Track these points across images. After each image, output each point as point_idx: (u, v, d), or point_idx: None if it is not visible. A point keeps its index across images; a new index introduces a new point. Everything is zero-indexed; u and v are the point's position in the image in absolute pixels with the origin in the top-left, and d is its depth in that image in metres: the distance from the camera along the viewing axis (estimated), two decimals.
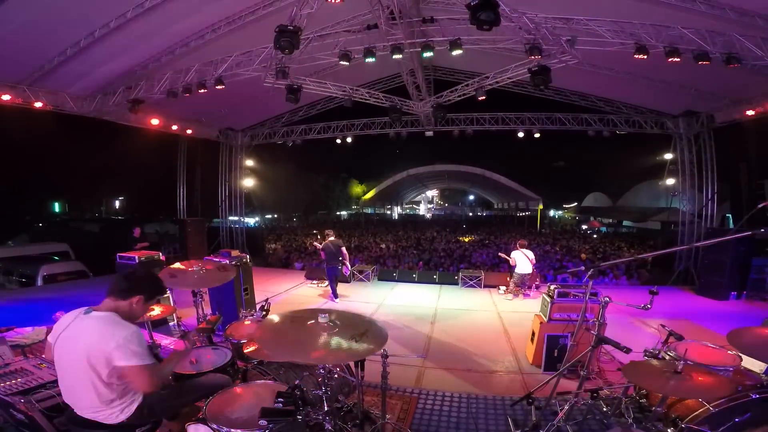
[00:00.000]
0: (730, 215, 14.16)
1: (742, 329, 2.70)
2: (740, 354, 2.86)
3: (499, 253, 10.01)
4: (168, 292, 6.40)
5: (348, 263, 8.41)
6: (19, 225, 25.75)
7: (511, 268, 8.59)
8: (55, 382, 2.31)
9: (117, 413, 2.05)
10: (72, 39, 6.63)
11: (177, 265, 3.75)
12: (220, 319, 4.58)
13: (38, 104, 7.96)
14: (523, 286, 8.57)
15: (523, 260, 8.25)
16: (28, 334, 3.68)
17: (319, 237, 21.34)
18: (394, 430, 3.38)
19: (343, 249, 8.15)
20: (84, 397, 2.00)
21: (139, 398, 2.13)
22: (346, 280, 9.69)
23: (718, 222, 10.87)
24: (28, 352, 3.42)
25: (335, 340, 2.20)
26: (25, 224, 27.94)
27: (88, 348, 1.93)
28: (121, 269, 6.23)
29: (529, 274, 8.37)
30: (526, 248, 8.55)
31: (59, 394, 2.36)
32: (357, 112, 11.84)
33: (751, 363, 2.99)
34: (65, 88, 8.23)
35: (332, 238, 8.26)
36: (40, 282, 11.10)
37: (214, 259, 6.10)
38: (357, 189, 49.74)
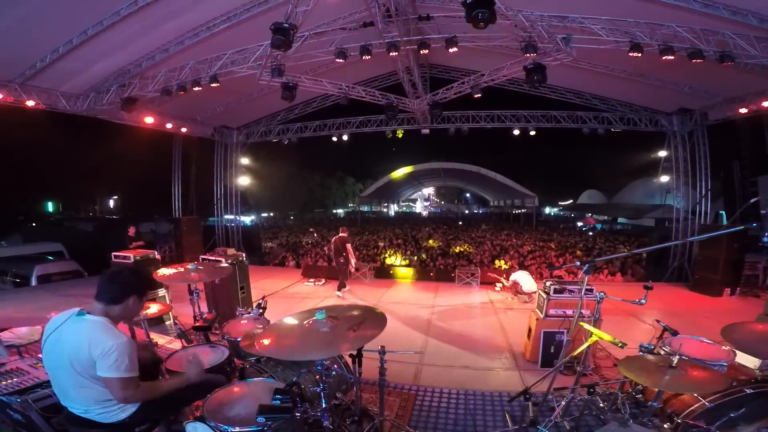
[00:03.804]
0: (723, 212, 14.27)
1: (735, 325, 2.74)
2: (734, 349, 2.90)
3: (500, 284, 9.12)
4: (163, 288, 6.41)
5: (352, 259, 8.76)
6: (12, 224, 25.51)
7: (515, 286, 8.17)
8: None
9: (117, 412, 2.04)
10: (65, 37, 6.56)
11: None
12: (217, 318, 4.60)
13: (30, 103, 7.86)
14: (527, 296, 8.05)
15: (528, 279, 8.00)
16: (23, 333, 3.65)
17: (315, 234, 21.46)
18: (392, 427, 3.39)
19: (348, 246, 8.66)
20: (79, 398, 1.99)
21: None
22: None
23: (712, 219, 10.95)
24: (23, 351, 3.40)
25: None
26: (19, 224, 27.68)
27: (78, 352, 1.91)
28: None
29: (535, 292, 7.72)
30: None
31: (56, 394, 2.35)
32: (353, 110, 11.78)
33: (744, 358, 3.02)
34: (58, 86, 8.14)
35: (342, 235, 8.74)
36: (34, 282, 11.01)
37: (210, 258, 6.10)
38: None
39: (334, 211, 52.39)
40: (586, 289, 3.38)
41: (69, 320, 2.01)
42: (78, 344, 1.91)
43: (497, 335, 6.11)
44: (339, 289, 8.55)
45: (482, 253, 15.16)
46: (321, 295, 8.79)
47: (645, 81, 8.91)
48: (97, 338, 1.93)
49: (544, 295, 4.68)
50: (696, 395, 2.56)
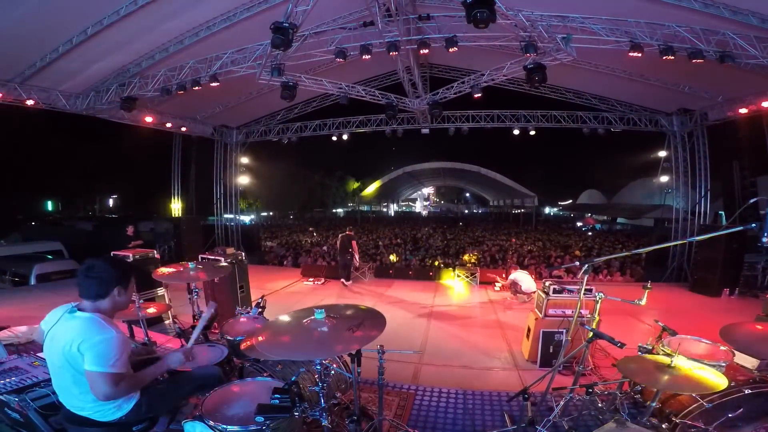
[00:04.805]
0: (722, 212, 14.28)
1: (734, 325, 2.73)
2: (733, 349, 2.90)
3: (500, 282, 9.15)
4: (162, 287, 6.41)
5: (357, 255, 9.71)
6: (11, 223, 25.47)
7: (514, 286, 8.13)
8: (50, 380, 2.29)
9: (113, 410, 2.03)
10: (64, 36, 6.54)
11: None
12: (216, 317, 4.59)
13: (30, 102, 7.86)
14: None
15: (527, 279, 7.97)
16: (22, 332, 3.65)
17: (315, 234, 21.52)
18: (391, 427, 3.39)
19: (354, 243, 9.58)
20: (75, 395, 1.98)
21: (136, 394, 2.12)
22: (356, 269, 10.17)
23: (711, 219, 10.95)
24: (22, 350, 3.40)
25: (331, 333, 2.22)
26: (18, 223, 27.64)
27: (70, 349, 1.90)
28: None
29: (534, 292, 7.90)
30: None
31: (54, 393, 2.34)
32: (353, 110, 11.78)
33: (743, 359, 3.02)
34: (57, 85, 8.13)
35: (348, 233, 9.79)
36: (33, 281, 11.00)
37: (209, 257, 6.10)
38: (353, 185, 49.84)
39: (334, 210, 52.38)
40: (585, 289, 3.38)
41: (62, 317, 2.00)
42: (70, 340, 1.91)
43: (496, 334, 6.11)
44: (346, 280, 9.48)
45: (482, 254, 15.17)
46: (320, 294, 8.79)
47: (645, 81, 8.91)
48: (87, 333, 1.92)
49: (544, 295, 4.68)
50: (694, 395, 2.56)
